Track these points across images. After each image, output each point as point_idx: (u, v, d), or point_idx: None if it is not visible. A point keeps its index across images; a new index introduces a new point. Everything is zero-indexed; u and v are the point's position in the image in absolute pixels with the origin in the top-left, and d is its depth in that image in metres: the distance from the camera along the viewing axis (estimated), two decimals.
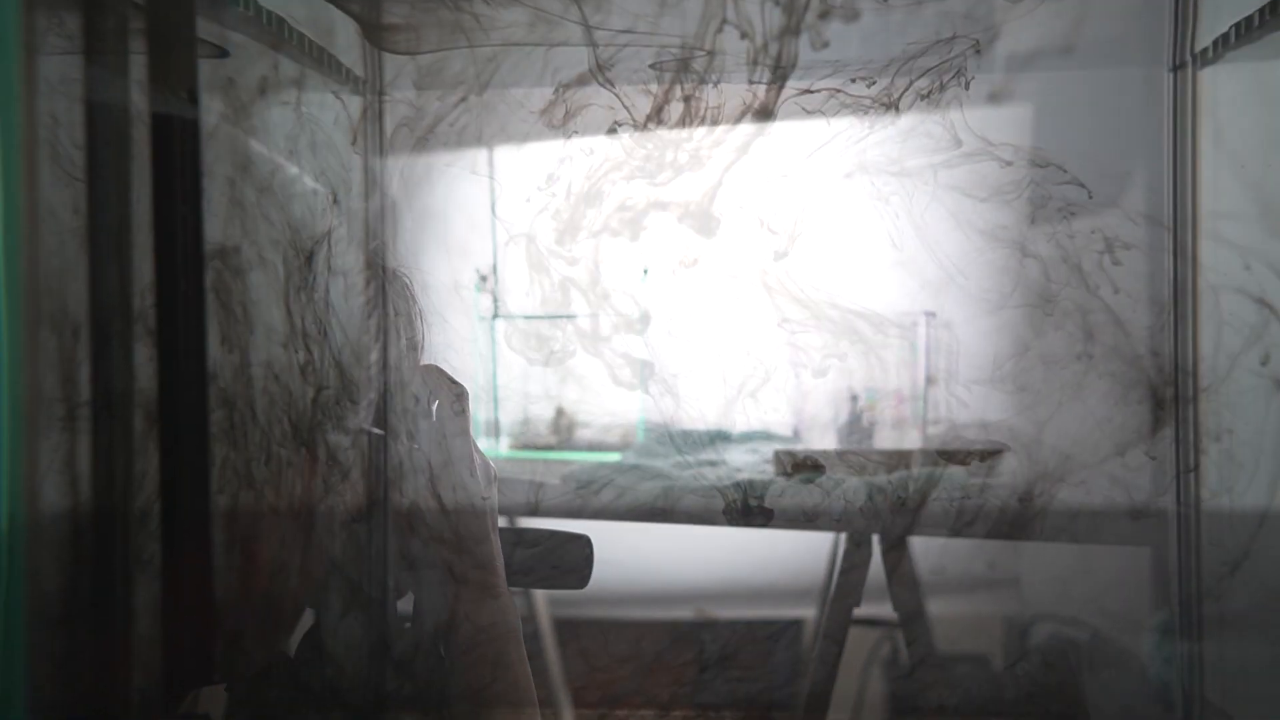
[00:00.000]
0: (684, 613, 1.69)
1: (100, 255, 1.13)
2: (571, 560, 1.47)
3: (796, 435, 1.48)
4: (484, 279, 1.39)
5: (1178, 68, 1.43)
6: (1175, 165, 1.42)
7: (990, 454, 1.40)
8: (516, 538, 1.49)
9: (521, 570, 1.48)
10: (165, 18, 1.14)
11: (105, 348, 1.14)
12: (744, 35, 1.27)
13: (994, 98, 1.36)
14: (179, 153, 1.15)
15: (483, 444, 1.53)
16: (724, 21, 1.26)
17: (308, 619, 1.48)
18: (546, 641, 1.73)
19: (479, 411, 1.48)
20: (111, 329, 1.14)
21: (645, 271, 1.38)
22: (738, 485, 1.43)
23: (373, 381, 1.46)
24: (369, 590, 1.52)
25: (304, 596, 1.43)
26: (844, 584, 1.63)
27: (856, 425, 1.50)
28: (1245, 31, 1.35)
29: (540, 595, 1.84)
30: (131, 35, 1.14)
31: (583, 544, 1.47)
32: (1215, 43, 1.40)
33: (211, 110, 1.26)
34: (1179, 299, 1.39)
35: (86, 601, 1.15)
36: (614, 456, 1.50)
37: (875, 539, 1.61)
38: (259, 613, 1.36)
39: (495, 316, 1.42)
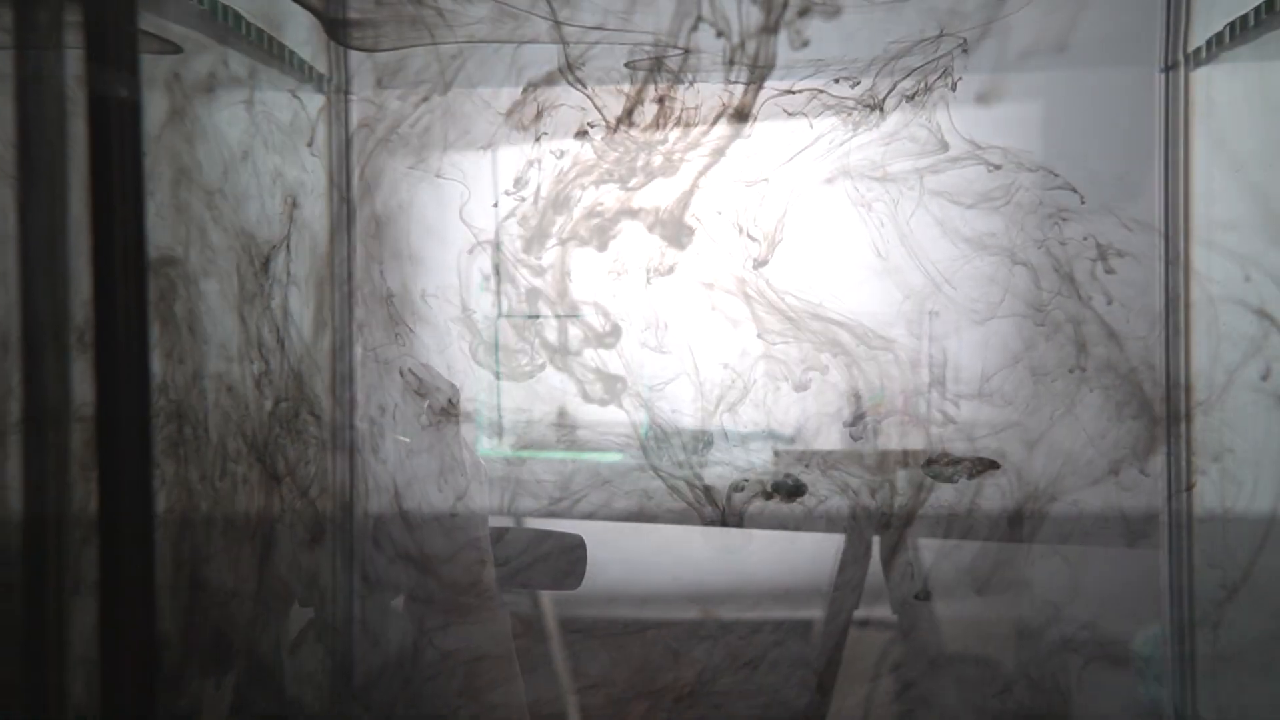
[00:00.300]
0: (689, 614, 1.63)
1: (33, 262, 1.06)
2: (564, 561, 1.44)
3: (792, 439, 1.42)
4: (487, 278, 1.34)
5: (1170, 68, 1.39)
6: (1168, 170, 1.38)
7: (979, 470, 1.35)
8: (508, 538, 1.45)
9: (513, 571, 1.45)
10: (104, 10, 1.07)
11: (38, 363, 1.07)
12: (720, 34, 1.22)
13: (982, 99, 1.31)
14: (120, 153, 1.08)
15: (485, 443, 1.47)
16: (699, 19, 1.21)
17: (306, 614, 1.42)
18: (553, 645, 1.67)
19: (481, 411, 1.43)
20: (45, 342, 1.07)
21: (648, 272, 1.32)
22: (712, 500, 1.37)
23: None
24: (329, 616, 1.46)
25: (259, 621, 1.36)
26: (838, 599, 1.56)
27: (845, 436, 1.44)
28: (1240, 31, 1.31)
29: (545, 599, 1.78)
30: (68, 28, 1.07)
31: (576, 544, 1.44)
32: (1209, 42, 1.35)
33: (157, 108, 1.19)
34: (1174, 310, 1.34)
35: (18, 630, 1.08)
36: (617, 456, 1.44)
37: (876, 542, 1.54)
38: (209, 639, 1.29)
39: (500, 316, 1.36)
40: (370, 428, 1.46)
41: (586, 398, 1.32)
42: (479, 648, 1.37)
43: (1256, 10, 1.27)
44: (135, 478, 1.11)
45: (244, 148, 1.31)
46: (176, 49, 1.26)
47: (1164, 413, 1.31)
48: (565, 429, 1.40)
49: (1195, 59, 1.37)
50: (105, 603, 1.09)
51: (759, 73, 1.23)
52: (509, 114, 1.27)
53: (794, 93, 1.30)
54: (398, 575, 1.44)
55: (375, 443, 1.45)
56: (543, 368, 1.33)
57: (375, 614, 1.45)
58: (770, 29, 1.21)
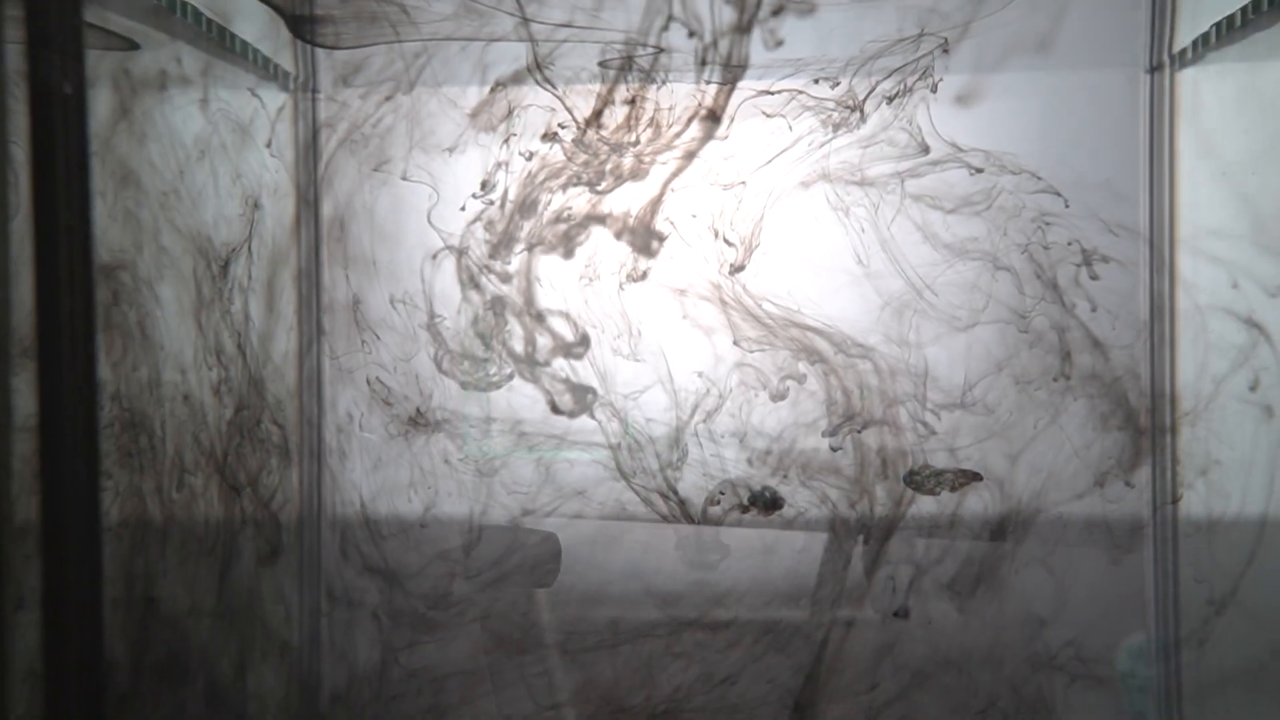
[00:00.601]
0: (661, 631, 1.59)
1: None
2: (538, 558, 1.40)
3: (768, 449, 1.38)
4: (476, 275, 1.30)
5: (1155, 69, 1.36)
6: (1153, 173, 1.35)
7: (961, 483, 1.31)
8: (481, 536, 1.42)
9: (486, 568, 1.42)
10: (48, 3, 1.02)
11: None
12: (692, 33, 1.18)
13: (963, 100, 1.27)
14: (65, 151, 1.04)
15: (456, 450, 1.43)
16: (670, 17, 1.17)
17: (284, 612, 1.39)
18: (550, 648, 1.62)
19: (450, 420, 1.39)
20: None
21: (626, 277, 1.28)
22: (688, 514, 1.33)
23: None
24: (292, 636, 1.41)
25: (217, 638, 1.32)
26: (815, 613, 1.53)
27: (824, 446, 1.40)
28: (1227, 31, 1.28)
29: (516, 614, 1.74)
30: (8, 22, 1.02)
31: (550, 542, 1.40)
32: (1195, 43, 1.32)
33: (109, 108, 1.15)
34: (1159, 318, 1.31)
35: None
36: (596, 454, 1.40)
37: (857, 554, 1.51)
38: (164, 657, 1.25)
39: (482, 315, 1.33)
40: (337, 435, 1.41)
41: (555, 409, 1.27)
42: (449, 664, 1.33)
43: (1243, 10, 1.24)
44: (81, 489, 1.07)
45: (201, 147, 1.26)
46: (132, 44, 1.22)
47: (1149, 424, 1.28)
48: (537, 437, 1.36)
49: (1181, 60, 1.34)
50: (49, 618, 1.05)
51: (732, 73, 1.19)
52: (475, 114, 1.23)
53: (772, 93, 1.26)
54: (365, 589, 1.40)
55: (342, 451, 1.41)
56: (511, 377, 1.29)
57: (341, 630, 1.40)
58: (743, 28, 1.17)
